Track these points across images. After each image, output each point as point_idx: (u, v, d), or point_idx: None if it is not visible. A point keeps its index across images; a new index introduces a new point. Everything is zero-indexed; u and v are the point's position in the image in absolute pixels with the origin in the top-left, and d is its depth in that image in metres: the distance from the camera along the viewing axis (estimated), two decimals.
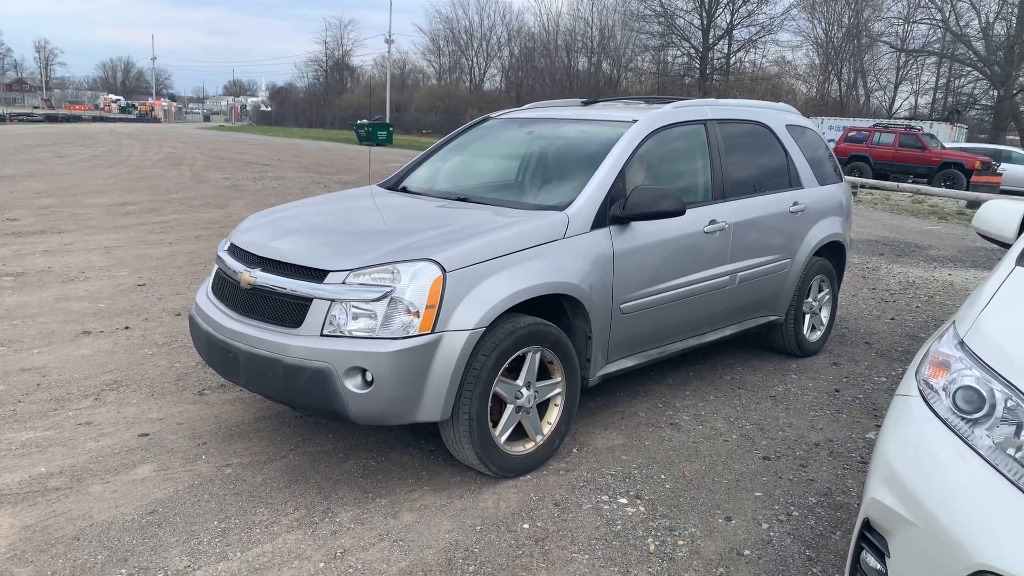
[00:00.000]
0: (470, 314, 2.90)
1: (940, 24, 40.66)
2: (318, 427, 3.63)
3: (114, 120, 65.15)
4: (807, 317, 5.04)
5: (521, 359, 3.14)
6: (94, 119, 64.62)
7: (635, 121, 3.90)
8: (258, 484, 3.07)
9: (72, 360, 4.41)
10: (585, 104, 4.72)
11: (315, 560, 2.57)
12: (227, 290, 3.32)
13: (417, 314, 2.81)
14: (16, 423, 3.54)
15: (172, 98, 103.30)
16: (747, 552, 2.74)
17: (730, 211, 4.20)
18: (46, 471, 3.10)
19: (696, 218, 3.95)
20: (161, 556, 2.56)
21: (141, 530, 2.70)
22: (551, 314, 3.41)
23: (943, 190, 16.84)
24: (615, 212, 3.51)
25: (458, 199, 3.88)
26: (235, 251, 3.40)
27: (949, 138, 27.61)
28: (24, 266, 6.81)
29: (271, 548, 2.63)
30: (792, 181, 4.81)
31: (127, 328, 5.08)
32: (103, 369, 4.28)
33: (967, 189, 19.50)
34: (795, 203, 4.72)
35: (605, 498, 3.07)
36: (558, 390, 3.33)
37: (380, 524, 2.82)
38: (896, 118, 39.20)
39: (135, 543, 2.62)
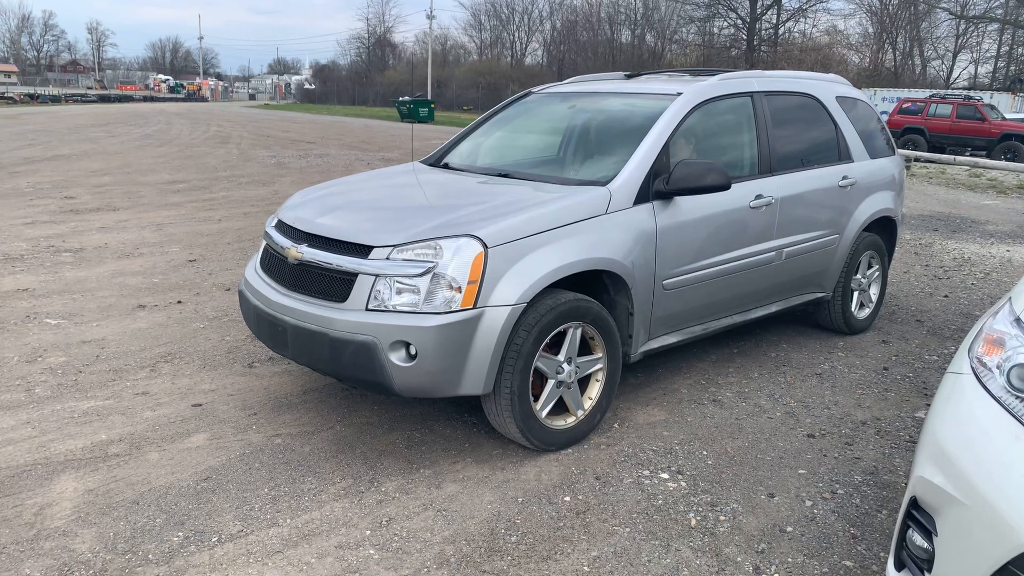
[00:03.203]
0: (512, 290, 2.92)
1: None
2: (364, 399, 3.71)
3: (163, 100, 66.66)
4: (855, 294, 4.93)
5: (562, 335, 3.15)
6: (144, 99, 66.18)
7: (680, 94, 3.83)
8: (306, 454, 3.16)
9: (129, 333, 4.58)
10: (628, 77, 4.65)
11: (361, 528, 2.65)
12: (275, 265, 3.39)
13: (459, 289, 2.84)
14: (78, 392, 3.70)
15: (219, 77, 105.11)
16: (790, 529, 2.73)
17: (777, 186, 4.12)
18: (107, 438, 3.24)
19: (742, 193, 3.88)
20: (215, 520, 2.66)
21: (196, 495, 2.81)
22: (593, 290, 3.41)
23: (1003, 163, 16.16)
24: (658, 187, 3.47)
25: (500, 175, 3.88)
26: (282, 227, 3.47)
27: (1011, 109, 26.42)
28: (82, 242, 7.06)
29: (319, 515, 2.71)
30: (842, 154, 4.68)
31: (180, 302, 5.24)
32: (158, 342, 4.44)
33: None
34: (844, 177, 4.60)
35: (646, 473, 3.08)
36: (599, 365, 3.33)
37: (424, 494, 2.88)
38: (954, 88, 37.67)
39: (191, 507, 2.73)
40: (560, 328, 3.10)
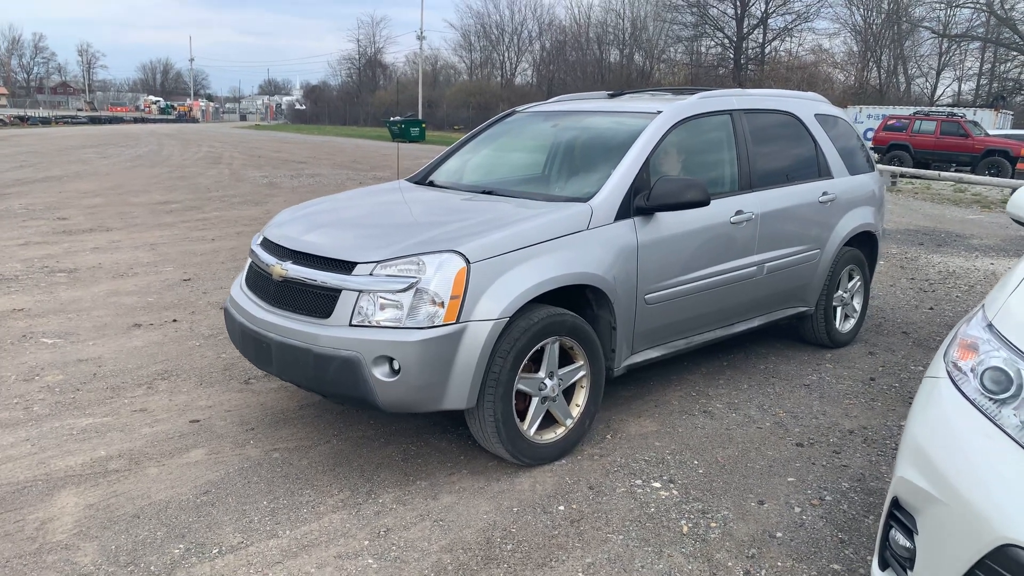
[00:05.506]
0: (494, 304, 2.95)
1: (984, 8, 39.53)
2: (359, 414, 3.76)
3: (154, 121, 66.70)
4: (838, 308, 5.01)
5: (541, 352, 3.17)
6: (135, 120, 66.22)
7: (660, 112, 3.92)
8: (304, 467, 3.21)
9: (125, 351, 4.61)
10: (611, 96, 4.74)
11: (359, 538, 2.69)
12: (260, 282, 3.43)
13: (442, 304, 2.89)
14: (76, 410, 3.73)
15: (209, 98, 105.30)
16: (779, 534, 2.79)
17: (757, 201, 4.21)
18: (106, 454, 3.27)
19: (722, 208, 3.97)
20: (216, 533, 2.70)
21: (196, 509, 2.85)
22: (576, 305, 3.46)
23: (986, 178, 16.45)
24: (639, 203, 3.53)
25: (484, 192, 3.95)
26: (268, 244, 3.51)
27: (994, 125, 26.87)
28: (76, 263, 7.09)
29: (318, 527, 2.76)
30: (822, 171, 4.79)
31: (175, 321, 5.28)
32: (154, 360, 4.48)
33: (1012, 177, 19.01)
34: (824, 193, 4.70)
35: (639, 482, 3.14)
36: (582, 373, 3.36)
37: (421, 505, 2.93)
38: (938, 105, 38.24)
39: (191, 521, 2.77)
40: (537, 346, 3.12)
